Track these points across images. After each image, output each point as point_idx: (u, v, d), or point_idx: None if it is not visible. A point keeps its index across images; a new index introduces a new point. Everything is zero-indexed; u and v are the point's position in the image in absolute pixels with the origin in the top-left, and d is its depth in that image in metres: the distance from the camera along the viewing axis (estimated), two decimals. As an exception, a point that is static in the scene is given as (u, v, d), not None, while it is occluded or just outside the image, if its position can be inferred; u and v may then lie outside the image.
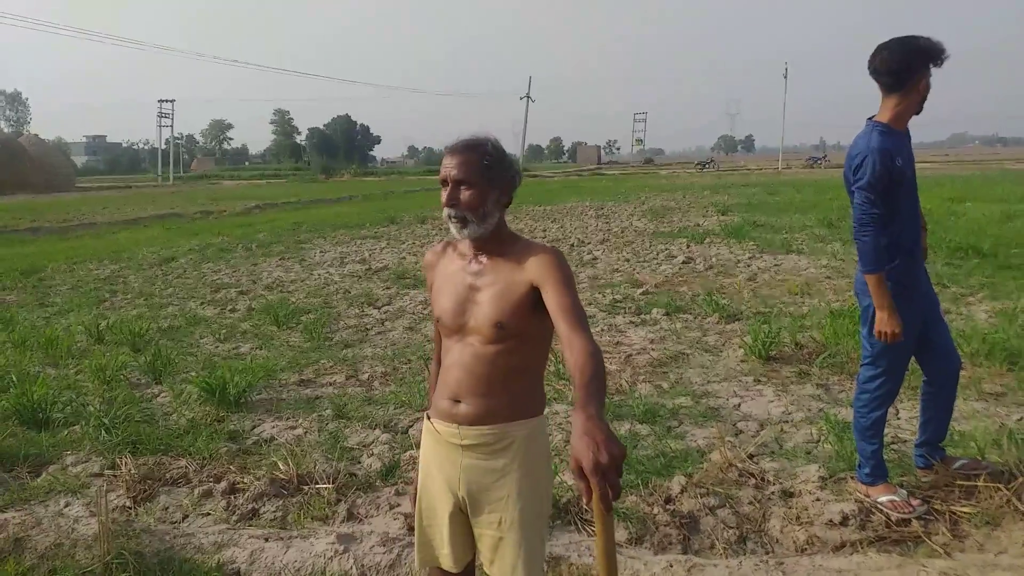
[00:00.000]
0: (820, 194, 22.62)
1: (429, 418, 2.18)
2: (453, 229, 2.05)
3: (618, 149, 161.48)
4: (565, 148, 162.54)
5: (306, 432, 4.73)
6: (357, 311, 8.55)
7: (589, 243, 13.87)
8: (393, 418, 4.92)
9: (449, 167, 2.01)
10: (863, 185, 3.09)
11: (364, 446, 4.50)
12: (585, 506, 1.57)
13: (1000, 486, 3.31)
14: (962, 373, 3.68)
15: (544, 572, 2.25)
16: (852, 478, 3.61)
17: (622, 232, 15.34)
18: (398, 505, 3.66)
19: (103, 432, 4.57)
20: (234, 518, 3.63)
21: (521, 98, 65.96)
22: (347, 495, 3.78)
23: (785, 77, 63.35)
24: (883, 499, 3.34)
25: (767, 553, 3.21)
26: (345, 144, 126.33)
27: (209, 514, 3.73)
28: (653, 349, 6.26)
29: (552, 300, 1.93)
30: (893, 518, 3.28)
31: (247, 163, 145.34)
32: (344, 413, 5.03)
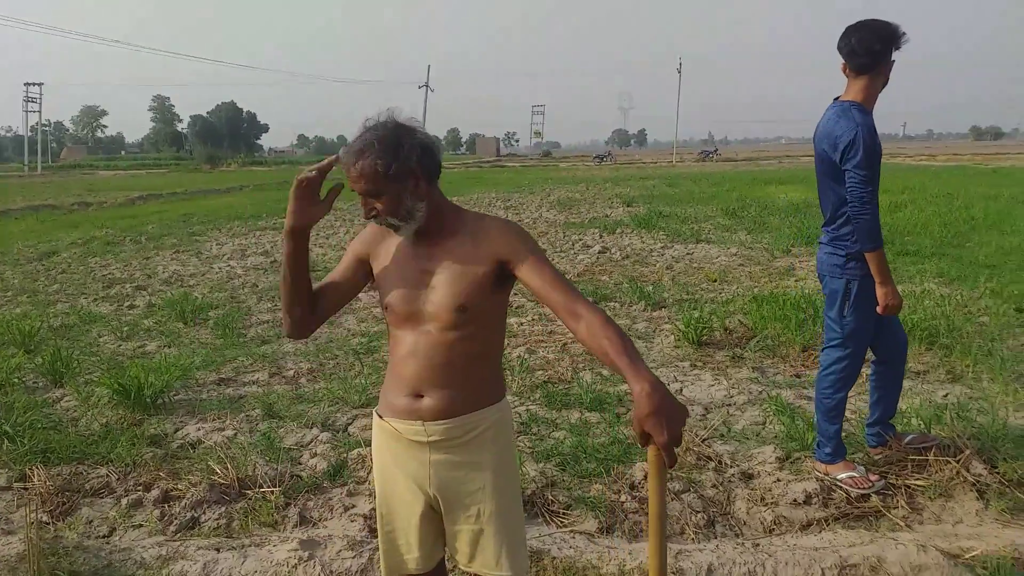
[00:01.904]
0: (717, 185, 23.45)
1: (380, 416, 2.00)
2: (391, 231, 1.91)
3: (517, 141, 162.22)
4: (463, 139, 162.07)
5: (236, 433, 4.41)
6: (269, 305, 8.13)
7: (501, 233, 13.77)
8: (329, 416, 4.67)
9: (351, 181, 1.84)
10: (858, 163, 3.10)
11: (302, 446, 4.23)
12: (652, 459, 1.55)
13: (949, 459, 3.43)
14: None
15: (528, 560, 2.12)
16: (809, 457, 3.67)
17: (534, 223, 15.33)
18: (353, 507, 3.45)
19: (5, 441, 4.10)
20: (172, 528, 3.31)
21: (420, 87, 65.17)
22: (295, 498, 3.53)
23: (679, 72, 65.35)
24: (843, 476, 3.40)
25: (737, 536, 3.20)
26: (230, 132, 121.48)
27: (141, 526, 3.40)
28: (586, 337, 6.22)
29: (534, 275, 1.81)
30: (853, 494, 3.34)
31: (123, 152, 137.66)
32: (275, 412, 4.73)
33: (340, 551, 2.86)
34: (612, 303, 7.52)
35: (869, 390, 3.62)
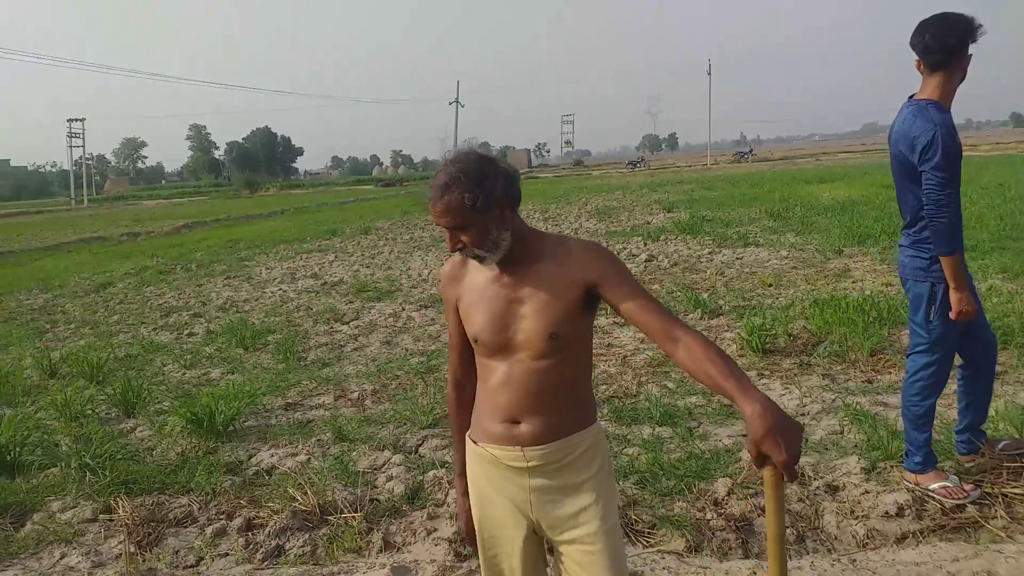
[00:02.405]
0: (756, 187, 23.16)
1: (476, 442, 2.00)
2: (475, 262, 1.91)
3: (547, 152, 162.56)
4: (494, 153, 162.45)
5: (310, 458, 4.44)
6: (325, 328, 8.22)
7: (544, 246, 13.77)
8: (399, 438, 4.68)
9: (435, 215, 1.82)
10: (937, 164, 3.02)
11: (376, 469, 4.25)
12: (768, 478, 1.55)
13: (1048, 465, 3.31)
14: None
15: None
16: (897, 467, 3.57)
17: (575, 233, 15.30)
18: (435, 530, 3.45)
19: (87, 473, 4.19)
20: (258, 556, 3.35)
21: (450, 103, 65.54)
22: (377, 523, 3.54)
23: (709, 74, 64.87)
24: (935, 486, 3.30)
25: (829, 551, 3.12)
26: (267, 157, 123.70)
27: (228, 554, 3.44)
28: (646, 349, 6.17)
29: (624, 298, 1.80)
30: (948, 505, 3.24)
31: (163, 181, 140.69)
32: (344, 436, 4.76)
33: (432, 577, 2.85)
34: (667, 313, 7.45)
35: (957, 395, 3.51)
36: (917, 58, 3.19)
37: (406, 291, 10.14)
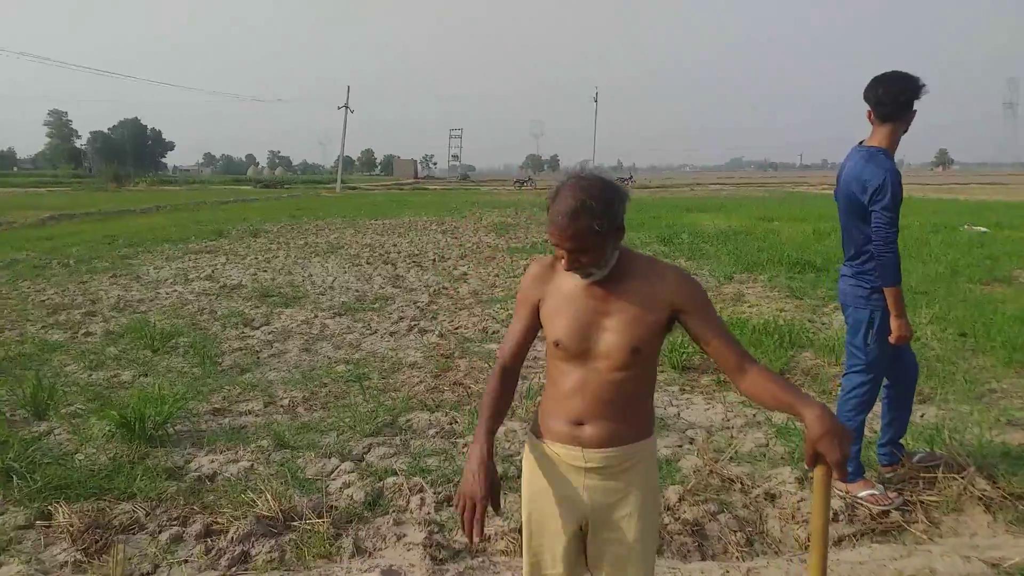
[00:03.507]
0: (642, 212, 24.19)
1: (539, 438, 2.12)
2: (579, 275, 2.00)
3: (435, 164, 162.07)
4: (378, 160, 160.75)
5: (253, 464, 4.35)
6: (236, 332, 7.96)
7: (450, 258, 13.89)
8: (343, 445, 4.66)
9: (561, 239, 1.89)
10: (886, 205, 3.39)
11: (325, 476, 4.22)
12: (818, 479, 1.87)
13: (955, 475, 3.75)
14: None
15: None
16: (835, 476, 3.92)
17: (477, 248, 15.49)
18: (404, 535, 3.49)
19: (13, 477, 3.93)
20: (223, 563, 3.27)
21: (339, 108, 64.35)
22: (345, 529, 3.53)
23: (595, 100, 67.05)
24: (864, 493, 3.67)
25: (776, 553, 3.40)
26: (134, 150, 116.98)
27: (187, 561, 3.33)
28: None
29: (707, 330, 1.98)
30: (875, 511, 3.61)
31: (15, 168, 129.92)
32: (285, 442, 4.68)
33: (423, 580, 2.90)
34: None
35: (882, 412, 3.91)
36: (869, 109, 3.57)
37: (314, 298, 9.97)
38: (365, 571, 3.02)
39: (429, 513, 3.70)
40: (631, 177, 68.24)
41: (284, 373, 6.37)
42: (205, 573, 3.22)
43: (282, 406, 5.47)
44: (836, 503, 3.64)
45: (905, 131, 3.58)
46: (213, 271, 12.57)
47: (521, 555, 3.22)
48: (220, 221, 23.63)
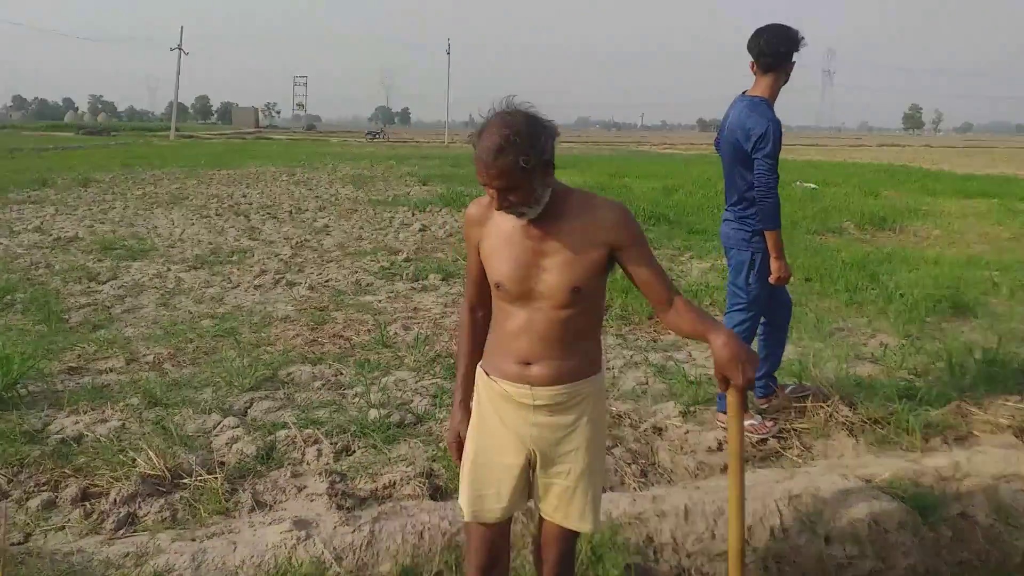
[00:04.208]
0: (500, 167, 24.29)
1: (488, 374, 2.13)
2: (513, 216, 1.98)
3: (278, 113, 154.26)
4: (214, 108, 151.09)
5: (124, 423, 4.04)
6: (80, 287, 7.30)
7: (308, 210, 13.38)
8: (222, 401, 4.42)
9: (488, 177, 1.87)
10: (768, 153, 3.57)
11: (207, 433, 3.99)
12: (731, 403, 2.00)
13: (822, 404, 4.10)
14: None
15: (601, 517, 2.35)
16: (706, 410, 4.18)
17: (336, 200, 15.01)
18: (305, 487, 3.37)
19: None
20: (108, 526, 3.04)
21: (172, 49, 59.49)
22: (240, 483, 3.37)
23: (448, 53, 66.05)
24: (744, 424, 3.92)
25: (670, 482, 3.60)
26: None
27: (64, 528, 3.07)
28: (452, 312, 6.39)
29: (641, 266, 2.01)
30: (754, 439, 3.88)
31: None
32: (158, 400, 4.38)
33: (336, 527, 2.83)
34: (457, 279, 7.73)
35: (758, 348, 4.18)
36: (752, 60, 3.73)
37: (163, 251, 9.32)
38: (269, 523, 2.90)
39: (328, 464, 3.60)
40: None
41: (143, 329, 5.93)
42: (88, 538, 2.97)
43: (147, 363, 5.10)
44: (719, 434, 3.89)
45: (786, 81, 3.78)
46: (42, 223, 11.43)
47: (431, 498, 3.23)
48: (41, 170, 21.42)
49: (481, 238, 2.10)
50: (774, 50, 3.66)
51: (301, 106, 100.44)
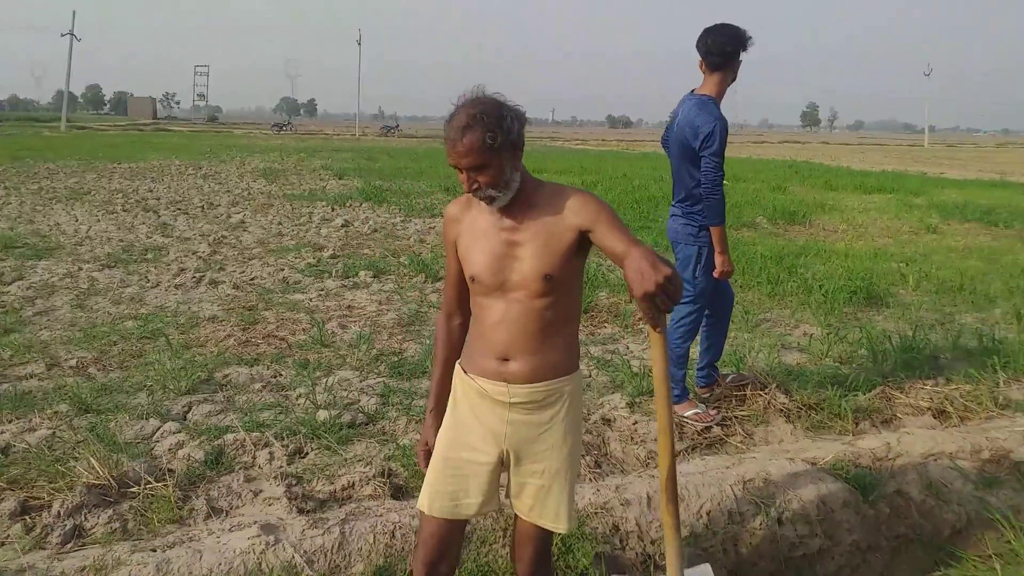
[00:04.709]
0: (416, 161, 24.19)
1: (465, 372, 2.15)
2: (484, 203, 2.01)
3: (177, 103, 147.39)
4: (107, 98, 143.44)
5: (54, 432, 3.83)
6: (-18, 286, 6.86)
7: (220, 205, 12.95)
8: (159, 405, 4.25)
9: (456, 156, 1.92)
10: (715, 151, 3.69)
11: (146, 439, 3.84)
12: (650, 330, 1.87)
13: (760, 392, 4.28)
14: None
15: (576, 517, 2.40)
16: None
17: (249, 194, 14.57)
18: (261, 491, 3.29)
19: None
20: (54, 540, 2.88)
21: (63, 35, 56.11)
22: (193, 490, 3.26)
23: (359, 43, 64.76)
24: (689, 413, 4.07)
25: (622, 472, 3.69)
26: None
27: (2, 544, 2.89)
28: (388, 310, 6.33)
29: (612, 238, 1.94)
30: (699, 427, 4.02)
31: None
32: (89, 406, 4.18)
33: (304, 530, 2.78)
34: (390, 276, 7.65)
35: (701, 338, 4.32)
36: (700, 59, 3.85)
37: (70, 249, 8.85)
38: (230, 530, 2.82)
39: (282, 467, 3.52)
40: (397, 126, 67.42)
41: (60, 332, 5.62)
42: (33, 554, 2.81)
43: (70, 367, 4.84)
44: (666, 423, 4.00)
45: (733, 80, 3.91)
46: (-76, 219, 10.65)
47: (393, 498, 3.21)
48: (-83, 162, 19.94)
49: (458, 235, 2.12)
50: (721, 49, 3.78)
51: (202, 96, 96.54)
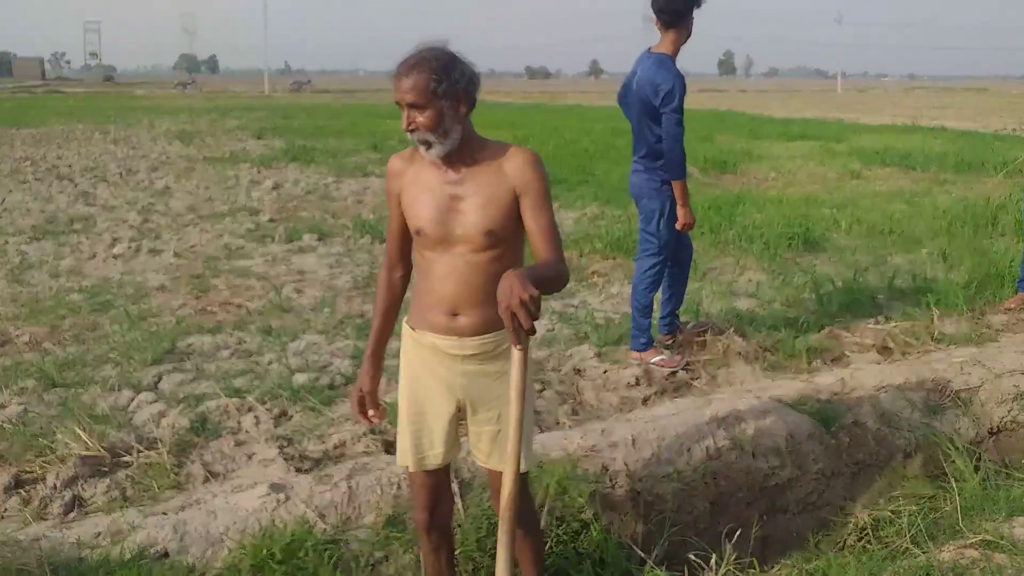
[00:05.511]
0: (336, 118, 23.67)
1: (414, 329, 2.20)
2: (421, 150, 2.05)
3: (68, 63, 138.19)
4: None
5: (25, 408, 3.75)
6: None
7: (139, 171, 12.46)
8: (129, 376, 4.19)
9: (400, 91, 1.98)
10: (675, 107, 3.83)
11: (123, 410, 3.81)
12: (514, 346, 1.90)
13: (719, 337, 4.53)
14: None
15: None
16: (616, 350, 4.49)
17: (167, 159, 14.04)
18: (254, 454, 3.34)
19: None
20: (54, 511, 2.89)
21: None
22: (186, 456, 3.28)
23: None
24: (656, 359, 4.28)
25: (599, 418, 3.87)
26: None
27: (2, 518, 2.88)
28: (341, 273, 6.32)
29: (531, 217, 2.04)
30: (666, 372, 4.24)
31: None
32: (55, 381, 4.09)
33: (312, 487, 2.85)
34: (336, 238, 7.60)
35: (663, 288, 4.51)
36: (654, 17, 3.97)
37: (-12, 220, 8.42)
38: (234, 491, 2.88)
39: (270, 429, 3.56)
40: (309, 81, 65.36)
41: (2, 308, 5.41)
42: (36, 525, 2.80)
43: (24, 344, 4.70)
44: (635, 371, 4.21)
45: (688, 37, 4.05)
46: None
47: (387, 453, 3.31)
48: None
49: (402, 189, 2.15)
50: (673, 7, 3.91)
51: (95, 55, 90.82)
